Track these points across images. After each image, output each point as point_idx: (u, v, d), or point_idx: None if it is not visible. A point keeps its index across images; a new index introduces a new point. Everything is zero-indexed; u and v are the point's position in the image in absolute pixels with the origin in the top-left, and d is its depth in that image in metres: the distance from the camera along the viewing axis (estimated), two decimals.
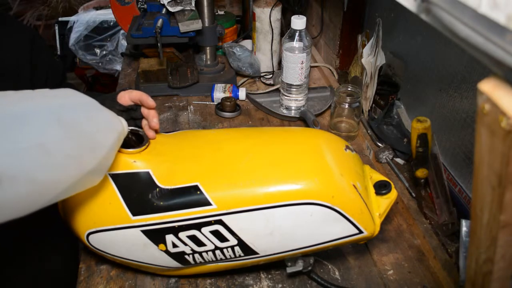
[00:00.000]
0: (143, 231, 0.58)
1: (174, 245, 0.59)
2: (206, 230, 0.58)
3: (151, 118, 0.64)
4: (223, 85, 1.20)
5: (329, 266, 0.72)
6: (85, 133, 0.49)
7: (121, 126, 0.57)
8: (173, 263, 0.62)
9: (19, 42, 0.78)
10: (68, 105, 0.50)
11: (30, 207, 0.43)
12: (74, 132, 0.48)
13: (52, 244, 0.83)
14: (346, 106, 0.98)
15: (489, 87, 0.29)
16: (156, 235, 0.59)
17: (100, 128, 0.53)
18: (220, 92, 1.18)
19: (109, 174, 0.58)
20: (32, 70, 0.78)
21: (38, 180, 0.42)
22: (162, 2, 1.09)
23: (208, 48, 1.24)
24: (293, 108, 1.10)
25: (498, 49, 0.27)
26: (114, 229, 0.59)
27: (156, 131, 0.65)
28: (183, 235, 0.59)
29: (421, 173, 0.80)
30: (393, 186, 0.63)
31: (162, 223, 0.58)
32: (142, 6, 1.32)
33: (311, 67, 1.25)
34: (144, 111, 0.66)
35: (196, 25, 1.08)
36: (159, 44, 1.06)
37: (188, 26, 1.07)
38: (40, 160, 0.42)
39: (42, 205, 0.45)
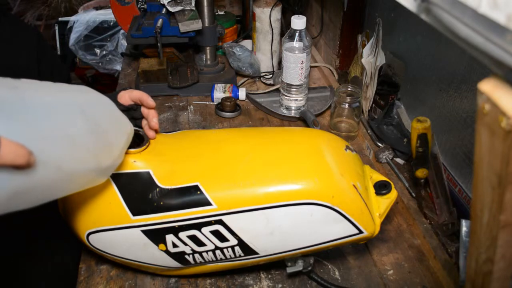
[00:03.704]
0: (143, 231, 0.58)
1: (174, 245, 0.59)
2: (206, 230, 0.58)
3: (151, 118, 0.64)
4: (223, 85, 1.20)
5: (329, 266, 0.72)
6: (103, 131, 0.49)
7: (130, 128, 0.58)
8: (173, 263, 0.62)
9: (26, 42, 0.77)
10: (89, 100, 0.50)
11: (51, 196, 0.43)
12: (95, 128, 0.48)
13: (56, 244, 0.83)
14: (346, 106, 0.98)
15: (489, 87, 0.29)
16: (156, 235, 0.59)
17: (115, 128, 0.53)
18: (220, 92, 1.18)
19: None
20: (39, 70, 0.78)
21: (63, 169, 0.42)
22: (162, 2, 1.09)
23: (208, 48, 1.24)
24: (293, 108, 1.10)
25: (498, 49, 0.27)
26: (114, 229, 0.59)
27: (156, 131, 0.65)
28: (183, 235, 0.59)
29: (421, 173, 0.80)
30: (393, 186, 0.63)
31: (162, 223, 0.58)
32: (142, 6, 1.32)
33: (311, 67, 1.25)
34: (144, 111, 0.66)
35: (196, 25, 1.08)
36: (159, 44, 1.06)
37: (188, 26, 1.07)
38: (67, 150, 0.42)
39: (59, 195, 0.45)
